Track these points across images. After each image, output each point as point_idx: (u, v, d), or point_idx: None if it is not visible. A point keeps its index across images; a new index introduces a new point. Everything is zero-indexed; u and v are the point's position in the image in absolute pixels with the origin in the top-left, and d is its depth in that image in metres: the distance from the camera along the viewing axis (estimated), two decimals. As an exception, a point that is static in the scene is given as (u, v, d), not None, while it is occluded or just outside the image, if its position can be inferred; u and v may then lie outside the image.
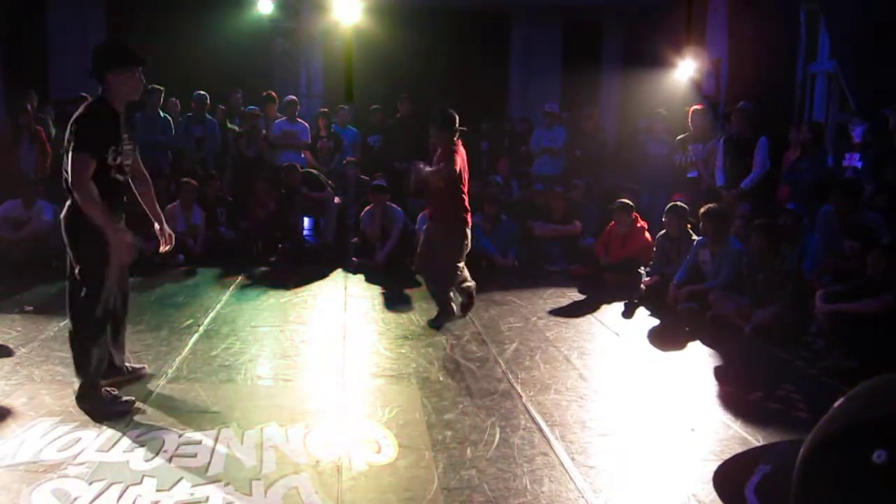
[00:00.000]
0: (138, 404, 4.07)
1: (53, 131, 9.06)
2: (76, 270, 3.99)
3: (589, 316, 6.51)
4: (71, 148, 3.83)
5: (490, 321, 6.15)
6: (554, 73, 12.76)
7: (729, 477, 0.82)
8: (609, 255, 7.78)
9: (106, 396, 4.04)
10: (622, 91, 11.83)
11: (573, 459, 3.52)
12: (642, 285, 7.00)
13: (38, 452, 3.47)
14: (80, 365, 4.04)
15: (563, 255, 8.50)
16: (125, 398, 4.09)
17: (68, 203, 3.94)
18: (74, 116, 3.93)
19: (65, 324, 5.36)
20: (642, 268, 7.29)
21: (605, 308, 6.76)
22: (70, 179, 3.82)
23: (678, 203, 7.18)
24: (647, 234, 7.64)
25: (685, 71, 10.00)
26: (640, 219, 7.80)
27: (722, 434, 3.91)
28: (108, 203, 3.94)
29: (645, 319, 6.43)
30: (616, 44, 12.83)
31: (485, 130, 10.54)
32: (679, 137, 8.76)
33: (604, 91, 12.51)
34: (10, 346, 5.16)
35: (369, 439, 3.71)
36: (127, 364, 4.50)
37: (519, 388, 4.48)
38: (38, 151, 8.74)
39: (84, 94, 9.17)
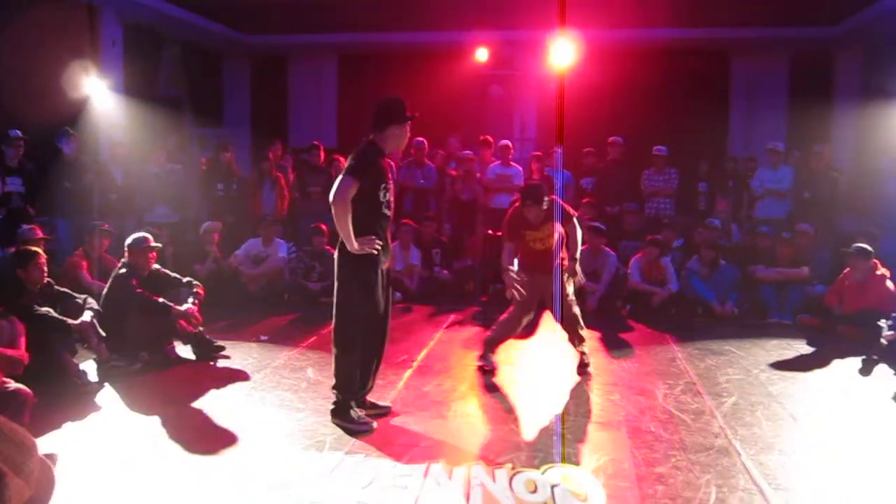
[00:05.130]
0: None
1: (291, 177, 9.98)
2: (335, 298, 4.45)
3: (819, 371, 5.97)
4: (342, 173, 4.32)
5: (706, 371, 5.83)
6: (778, 109, 12.03)
7: None
8: (844, 305, 7.11)
9: (354, 415, 4.44)
10: (858, 126, 10.85)
11: (801, 529, 3.21)
12: (883, 340, 6.29)
13: (267, 472, 3.76)
14: (337, 384, 4.48)
15: (789, 305, 7.89)
16: (368, 419, 4.47)
17: (340, 242, 4.39)
18: (352, 155, 4.42)
19: (294, 353, 5.80)
20: (883, 320, 6.56)
21: (837, 363, 6.16)
22: (332, 195, 4.27)
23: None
24: (890, 283, 6.90)
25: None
26: (879, 265, 7.07)
27: None
28: (378, 235, 4.38)
29: (886, 378, 5.76)
30: (851, 75, 11.84)
31: (702, 171, 10.11)
32: (928, 176, 7.88)
33: (836, 127, 11.54)
34: (247, 371, 5.68)
35: (577, 487, 3.63)
36: (370, 399, 4.74)
37: (738, 446, 4.18)
38: (278, 195, 9.66)
39: (316, 142, 10.06)
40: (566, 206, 5.73)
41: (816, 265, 8.15)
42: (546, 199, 5.58)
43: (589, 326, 6.41)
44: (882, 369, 5.96)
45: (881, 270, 7.06)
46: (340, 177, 4.31)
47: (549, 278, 5.56)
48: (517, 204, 5.82)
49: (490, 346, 5.82)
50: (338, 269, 4.46)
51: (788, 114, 11.92)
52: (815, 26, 11.59)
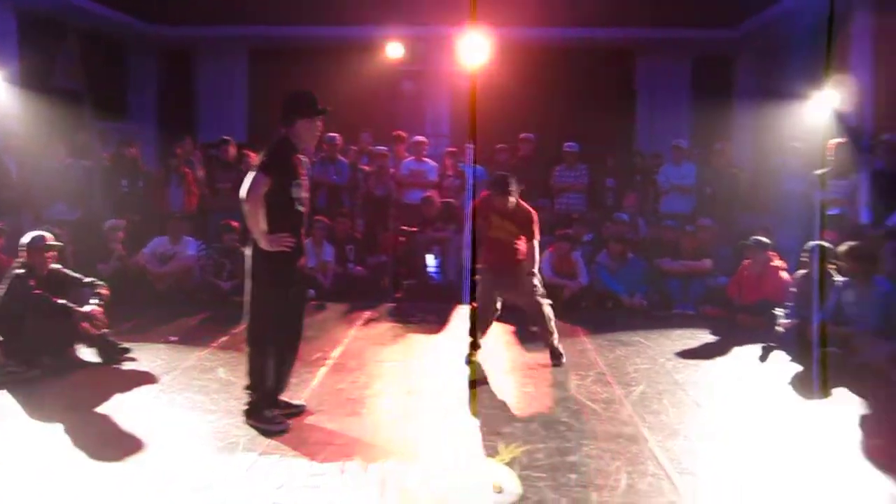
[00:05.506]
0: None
1: (200, 173, 9.71)
2: (248, 296, 4.38)
3: (721, 359, 6.23)
4: (254, 169, 4.26)
5: (616, 362, 6.00)
6: (681, 107, 12.50)
7: None
8: (743, 296, 7.44)
9: (268, 415, 4.36)
10: (756, 125, 11.37)
11: (705, 510, 3.35)
12: (779, 328, 6.62)
13: (177, 475, 3.66)
14: (251, 384, 4.40)
15: (692, 296, 8.21)
16: (282, 418, 4.40)
17: (253, 239, 4.31)
18: (264, 151, 4.35)
19: (204, 353, 5.68)
20: (779, 309, 6.90)
21: (737, 351, 6.45)
22: (243, 192, 4.20)
23: (819, 242, 6.77)
24: (785, 274, 7.26)
25: (826, 102, 9.50)
26: (776, 258, 7.43)
27: (872, 491, 3.62)
28: (291, 232, 4.31)
29: (782, 364, 6.07)
30: (749, 76, 12.40)
31: (610, 166, 10.37)
32: (818, 172, 8.29)
33: (736, 125, 12.06)
34: (155, 373, 5.50)
35: (492, 480, 3.67)
36: (283, 399, 4.64)
37: (646, 433, 4.33)
38: (185, 192, 9.39)
39: (226, 137, 9.83)
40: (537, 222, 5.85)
41: (718, 258, 8.49)
42: (515, 189, 5.65)
43: (502, 320, 6.54)
44: (778, 355, 6.27)
45: (777, 262, 7.42)
46: (252, 173, 4.23)
47: (512, 278, 5.74)
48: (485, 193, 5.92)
49: (472, 346, 5.92)
50: (251, 267, 4.37)
51: (691, 112, 12.39)
52: (716, 28, 12.10)
